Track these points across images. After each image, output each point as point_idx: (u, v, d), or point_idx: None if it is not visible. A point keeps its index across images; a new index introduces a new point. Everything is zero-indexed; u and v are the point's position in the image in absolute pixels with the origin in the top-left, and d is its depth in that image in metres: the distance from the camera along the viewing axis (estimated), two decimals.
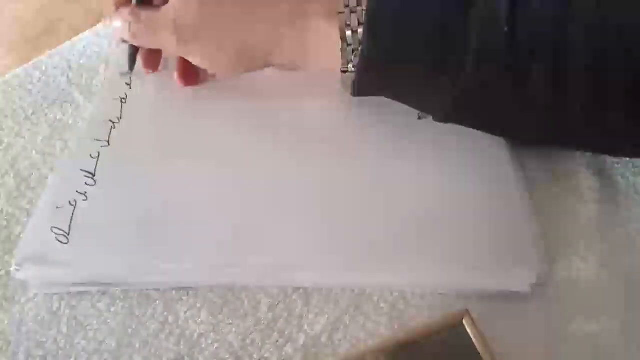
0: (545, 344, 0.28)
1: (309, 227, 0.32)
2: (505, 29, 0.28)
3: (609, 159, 0.36)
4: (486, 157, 0.35)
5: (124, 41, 0.38)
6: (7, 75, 0.44)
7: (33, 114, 0.41)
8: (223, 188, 0.34)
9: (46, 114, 0.41)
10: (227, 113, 0.39)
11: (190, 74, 0.40)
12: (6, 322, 0.30)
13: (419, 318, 0.30)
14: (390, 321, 0.30)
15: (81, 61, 0.45)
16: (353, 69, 0.32)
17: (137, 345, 0.29)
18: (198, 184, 0.34)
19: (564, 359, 0.28)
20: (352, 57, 0.32)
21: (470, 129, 0.34)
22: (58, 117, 0.41)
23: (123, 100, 0.39)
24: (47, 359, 0.29)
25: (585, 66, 0.28)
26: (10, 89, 0.43)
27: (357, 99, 0.35)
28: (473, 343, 0.25)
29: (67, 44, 0.47)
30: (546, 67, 0.28)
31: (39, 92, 0.43)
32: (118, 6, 0.38)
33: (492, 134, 0.35)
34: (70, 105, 0.42)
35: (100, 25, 0.48)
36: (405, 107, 0.35)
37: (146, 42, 0.38)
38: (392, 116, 0.37)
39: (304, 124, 0.38)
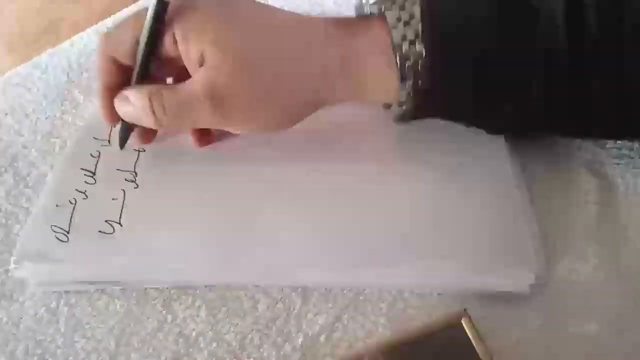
0: (543, 344, 0.28)
1: (308, 227, 0.32)
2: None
3: (609, 160, 0.36)
4: (485, 157, 0.35)
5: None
6: (7, 74, 0.44)
7: (33, 112, 0.41)
8: (224, 187, 0.34)
9: (46, 113, 0.41)
10: None
11: (207, 133, 0.36)
12: (4, 320, 0.30)
13: (418, 318, 0.30)
14: (388, 321, 0.30)
15: (81, 60, 0.45)
16: (409, 97, 0.31)
17: (135, 344, 0.29)
18: (199, 184, 0.34)
19: (563, 359, 0.28)
20: (410, 90, 0.31)
21: (471, 129, 0.35)
22: (58, 116, 0.41)
23: None
24: (45, 357, 0.29)
25: None
26: (10, 87, 0.43)
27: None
28: (472, 343, 0.25)
29: (68, 42, 0.47)
30: (606, 82, 0.30)
31: (38, 91, 0.43)
32: (111, 90, 0.32)
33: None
34: (70, 103, 0.42)
35: (100, 24, 0.48)
36: None
37: (175, 125, 0.32)
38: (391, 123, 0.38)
39: (304, 124, 0.38)
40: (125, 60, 0.31)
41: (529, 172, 0.35)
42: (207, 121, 0.31)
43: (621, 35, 0.29)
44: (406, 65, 0.30)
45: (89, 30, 0.48)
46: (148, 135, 0.36)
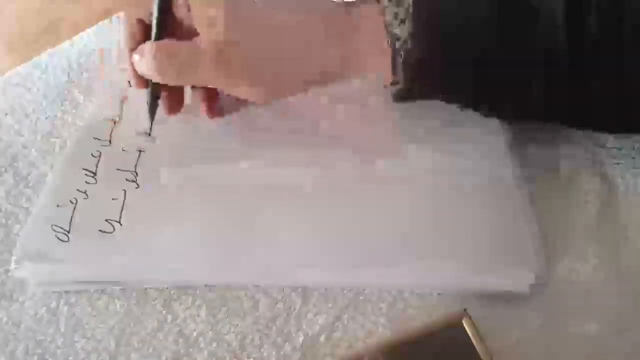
0: (543, 344, 0.28)
1: (308, 227, 0.32)
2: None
3: (609, 160, 0.36)
4: (485, 158, 0.35)
5: (148, 85, 0.35)
6: (7, 74, 0.44)
7: (33, 112, 0.41)
8: (224, 187, 0.34)
9: (46, 113, 0.41)
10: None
11: (215, 105, 0.38)
12: (5, 320, 0.30)
13: (418, 318, 0.30)
14: (388, 321, 0.30)
15: (81, 60, 0.45)
16: (402, 79, 0.32)
17: (136, 344, 0.29)
18: (199, 184, 0.34)
19: (563, 359, 0.28)
20: (402, 67, 0.31)
21: (470, 128, 0.35)
22: (58, 116, 0.41)
23: (124, 99, 0.39)
24: (46, 357, 0.29)
25: None
26: (10, 87, 0.43)
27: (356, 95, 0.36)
28: (472, 343, 0.25)
29: (68, 42, 0.47)
30: (606, 82, 0.30)
31: (38, 91, 0.43)
32: (134, 45, 0.34)
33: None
34: (70, 103, 0.41)
35: (100, 24, 0.48)
36: (407, 106, 0.35)
37: (183, 79, 0.34)
38: (390, 118, 0.38)
39: (304, 125, 0.38)
40: (148, 19, 0.34)
41: (529, 172, 0.35)
42: (211, 76, 0.32)
43: (621, 35, 0.29)
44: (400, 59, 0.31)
45: (89, 30, 0.48)
46: (173, 105, 0.37)
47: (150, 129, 0.36)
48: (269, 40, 0.32)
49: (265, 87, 0.33)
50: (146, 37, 0.34)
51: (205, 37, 0.31)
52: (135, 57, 0.33)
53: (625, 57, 0.30)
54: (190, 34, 0.32)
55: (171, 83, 0.34)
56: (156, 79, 0.33)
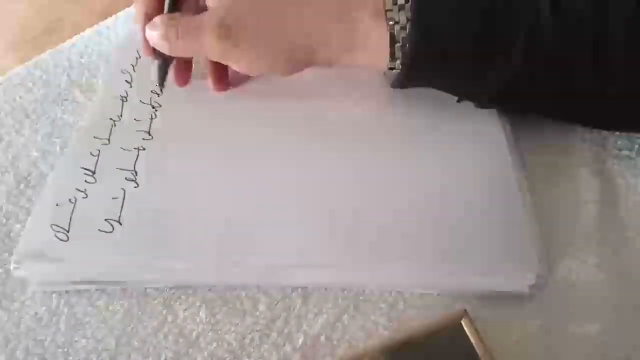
0: (543, 345, 0.28)
1: (309, 227, 0.32)
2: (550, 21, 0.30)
3: (609, 160, 0.36)
4: (486, 157, 0.35)
5: (157, 54, 0.36)
6: (7, 74, 0.44)
7: (33, 112, 0.41)
8: (223, 187, 0.34)
9: (46, 112, 0.41)
10: (229, 110, 0.39)
11: (223, 79, 0.40)
12: (5, 320, 0.30)
13: (418, 318, 0.30)
14: (388, 321, 0.30)
15: (82, 60, 0.45)
16: (399, 64, 0.33)
17: (136, 344, 0.29)
18: (199, 183, 0.34)
19: (563, 359, 0.28)
20: (400, 53, 0.32)
21: (471, 127, 0.35)
22: (58, 116, 0.41)
23: (124, 99, 0.39)
24: (46, 357, 0.29)
25: (626, 54, 0.30)
26: (11, 87, 0.43)
27: (358, 94, 0.37)
28: (472, 344, 0.25)
29: (68, 42, 0.47)
30: (588, 56, 0.31)
31: (39, 91, 0.43)
32: (147, 17, 0.36)
33: (530, 114, 0.36)
34: (71, 103, 0.42)
35: (101, 24, 0.48)
36: (407, 104, 0.35)
37: (187, 50, 0.36)
38: (391, 116, 0.38)
39: (304, 123, 0.38)
40: None
41: (529, 172, 0.35)
42: (214, 48, 0.34)
43: (606, 14, 0.30)
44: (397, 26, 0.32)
45: (89, 30, 0.48)
46: (182, 75, 0.39)
47: (161, 91, 0.39)
48: (271, 14, 0.34)
49: (266, 59, 0.35)
50: (159, 10, 0.36)
51: (212, 9, 0.33)
52: (147, 29, 0.35)
53: (609, 36, 0.30)
54: (201, 11, 0.34)
55: (179, 55, 0.36)
56: (165, 51, 0.35)
